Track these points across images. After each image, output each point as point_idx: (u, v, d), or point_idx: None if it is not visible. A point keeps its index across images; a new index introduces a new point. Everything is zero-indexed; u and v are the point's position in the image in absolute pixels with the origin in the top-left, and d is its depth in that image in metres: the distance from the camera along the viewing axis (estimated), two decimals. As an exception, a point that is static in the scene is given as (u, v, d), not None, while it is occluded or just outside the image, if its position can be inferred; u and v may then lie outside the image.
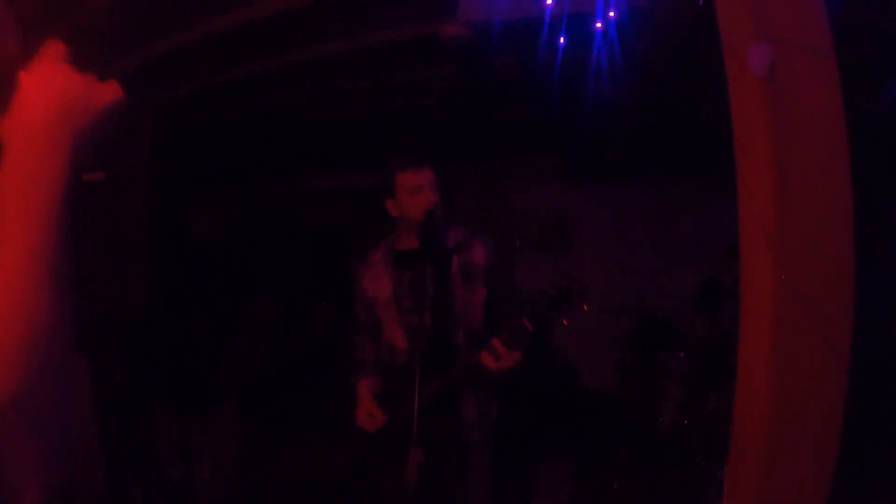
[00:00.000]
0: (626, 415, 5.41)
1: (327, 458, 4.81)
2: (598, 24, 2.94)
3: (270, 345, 6.11)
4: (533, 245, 6.94)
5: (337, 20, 3.43)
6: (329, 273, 6.84)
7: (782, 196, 1.60)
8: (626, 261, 6.49)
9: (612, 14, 2.88)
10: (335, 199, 7.64)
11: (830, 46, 1.68)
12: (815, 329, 1.59)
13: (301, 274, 6.89)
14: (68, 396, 0.79)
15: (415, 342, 2.69)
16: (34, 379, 0.72)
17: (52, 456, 0.76)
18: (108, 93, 0.96)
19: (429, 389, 2.58)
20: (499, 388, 2.77)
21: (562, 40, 3.07)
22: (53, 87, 0.89)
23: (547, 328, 2.60)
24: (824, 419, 1.68)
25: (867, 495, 1.93)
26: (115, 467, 4.10)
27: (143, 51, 3.79)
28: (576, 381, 6.40)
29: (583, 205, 6.85)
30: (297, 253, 7.04)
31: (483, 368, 2.56)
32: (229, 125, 5.45)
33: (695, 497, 4.01)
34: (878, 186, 1.90)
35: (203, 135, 5.48)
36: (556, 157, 6.61)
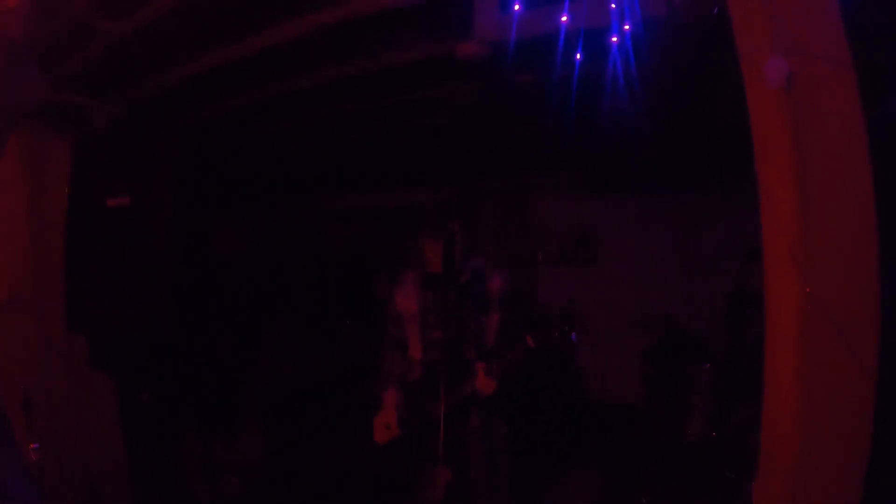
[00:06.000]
0: (653, 427, 5.36)
1: (352, 476, 4.81)
2: (614, 39, 2.95)
3: (294, 363, 6.13)
4: (556, 259, 6.92)
5: (356, 42, 3.47)
6: (351, 291, 6.86)
7: (805, 209, 1.59)
8: (650, 272, 6.44)
9: (627, 27, 2.89)
10: (357, 218, 7.67)
11: (847, 55, 1.68)
12: (840, 341, 1.57)
13: (324, 293, 6.91)
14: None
15: (430, 355, 3.06)
16: None
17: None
18: None
19: (445, 403, 2.85)
20: (498, 403, 3.07)
21: (578, 56, 3.09)
22: None
23: (549, 345, 2.91)
24: (853, 431, 1.66)
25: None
26: (141, 485, 4.14)
27: (165, 76, 3.85)
28: (602, 394, 6.36)
29: (605, 217, 6.83)
30: (320, 272, 7.07)
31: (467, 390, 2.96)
32: (251, 147, 5.50)
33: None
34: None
35: (225, 157, 5.54)
36: (578, 171, 6.59)
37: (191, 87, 3.95)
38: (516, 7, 2.74)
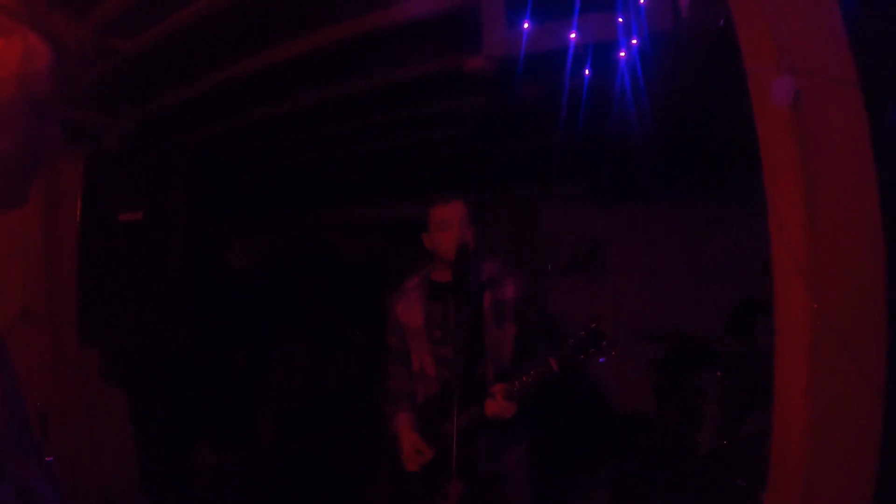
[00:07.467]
0: (664, 437, 5.35)
1: (365, 490, 4.82)
2: (622, 53, 2.96)
3: (306, 376, 6.15)
4: (565, 270, 6.92)
5: (366, 57, 3.50)
6: (363, 304, 6.88)
7: (813, 224, 1.61)
8: (659, 282, 6.44)
9: (634, 42, 2.91)
10: (368, 232, 7.70)
11: (854, 73, 1.69)
12: (848, 356, 1.59)
13: (336, 306, 6.93)
14: None
15: (443, 373, 2.75)
16: None
17: None
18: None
19: (460, 421, 2.55)
20: (520, 421, 2.74)
21: (587, 72, 3.10)
22: None
23: (573, 369, 2.62)
24: (861, 442, 1.67)
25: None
26: (155, 498, 4.16)
27: (177, 93, 3.89)
28: (612, 404, 6.36)
29: (613, 227, 6.83)
30: (332, 285, 7.09)
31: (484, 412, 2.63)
32: (263, 161, 5.54)
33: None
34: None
35: (238, 171, 5.58)
36: (586, 182, 6.61)
37: (203, 103, 3.98)
38: (525, 25, 2.76)
